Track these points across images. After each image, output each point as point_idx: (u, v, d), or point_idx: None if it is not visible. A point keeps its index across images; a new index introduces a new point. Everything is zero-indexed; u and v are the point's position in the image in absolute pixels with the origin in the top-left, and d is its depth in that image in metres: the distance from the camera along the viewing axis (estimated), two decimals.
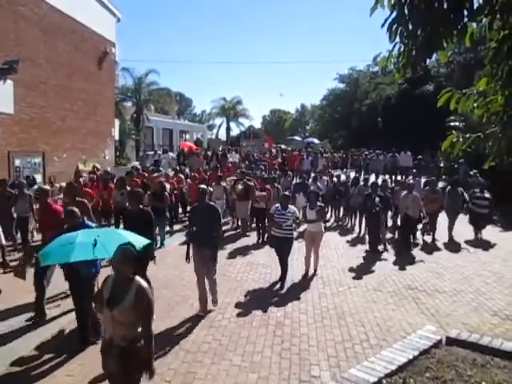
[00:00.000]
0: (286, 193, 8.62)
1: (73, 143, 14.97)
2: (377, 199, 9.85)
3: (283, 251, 7.60)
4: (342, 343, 5.42)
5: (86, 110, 15.86)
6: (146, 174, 13.27)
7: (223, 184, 12.12)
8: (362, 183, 12.96)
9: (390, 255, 9.73)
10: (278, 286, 7.54)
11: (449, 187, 11.79)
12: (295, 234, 7.89)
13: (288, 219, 7.54)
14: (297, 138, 44.55)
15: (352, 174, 18.43)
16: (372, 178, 21.31)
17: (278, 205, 7.78)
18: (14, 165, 11.96)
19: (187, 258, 6.32)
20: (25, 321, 5.94)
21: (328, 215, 13.06)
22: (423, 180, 13.59)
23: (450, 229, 11.20)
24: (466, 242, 10.91)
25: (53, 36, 13.55)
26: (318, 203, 8.28)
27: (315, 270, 8.23)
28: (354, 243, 10.84)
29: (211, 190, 11.29)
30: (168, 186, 11.15)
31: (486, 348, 4.96)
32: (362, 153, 26.16)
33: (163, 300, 6.67)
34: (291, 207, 7.69)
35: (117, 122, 19.93)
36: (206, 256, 6.17)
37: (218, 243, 6.47)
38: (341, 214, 13.58)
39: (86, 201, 7.83)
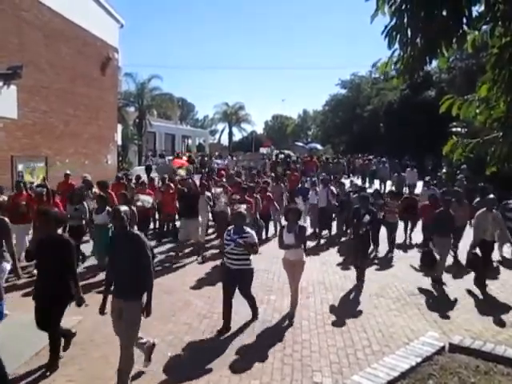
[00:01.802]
0: (241, 209, 6.80)
1: (75, 148, 15.02)
2: (366, 217, 7.99)
3: (240, 287, 6.05)
4: (344, 349, 5.40)
5: (89, 115, 15.91)
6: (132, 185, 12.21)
7: (207, 194, 10.58)
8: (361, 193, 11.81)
9: (391, 262, 9.69)
10: (279, 291, 7.52)
11: (477, 198, 10.26)
12: (251, 264, 6.06)
13: (237, 244, 5.88)
14: (300, 143, 44.66)
15: (358, 182, 18.21)
16: (376, 185, 21.36)
17: (231, 227, 6.22)
18: (17, 169, 12.00)
19: (101, 310, 4.63)
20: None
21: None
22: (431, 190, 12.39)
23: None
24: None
25: (56, 41, 13.63)
26: (300, 223, 6.68)
27: (292, 308, 6.48)
28: None
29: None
30: (149, 199, 10.27)
31: (489, 355, 4.93)
32: (367, 158, 25.79)
33: (165, 305, 6.67)
34: (248, 230, 6.06)
35: (119, 127, 19.99)
36: (123, 315, 4.37)
37: (146, 293, 4.48)
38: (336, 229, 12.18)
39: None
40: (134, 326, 4.38)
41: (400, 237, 11.01)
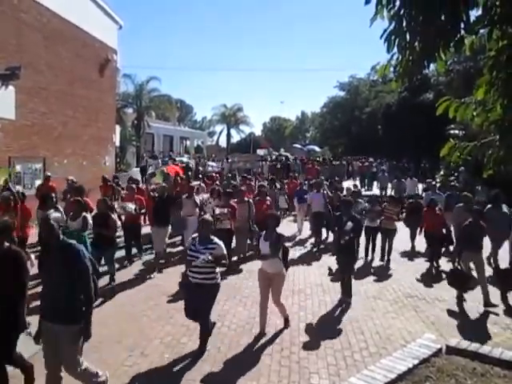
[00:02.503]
0: (206, 216, 5.98)
1: (74, 149, 14.99)
2: (348, 224, 7.07)
3: (199, 304, 5.19)
4: (341, 351, 5.40)
5: (87, 117, 15.90)
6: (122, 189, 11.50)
7: (197, 197, 9.94)
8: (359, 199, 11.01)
9: (389, 264, 9.70)
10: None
11: (489, 205, 9.20)
12: (218, 279, 5.29)
13: (205, 259, 5.07)
14: (298, 145, 44.72)
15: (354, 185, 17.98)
16: (375, 188, 21.25)
17: (195, 235, 5.47)
18: (15, 171, 11.97)
19: (36, 339, 3.98)
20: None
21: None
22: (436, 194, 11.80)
23: (495, 260, 8.78)
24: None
25: (54, 42, 13.61)
26: (277, 231, 5.94)
27: (286, 321, 6.08)
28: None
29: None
30: (130, 205, 9.18)
31: (486, 357, 4.93)
32: (367, 161, 25.47)
33: (162, 307, 6.67)
34: (215, 240, 5.30)
35: (118, 129, 19.97)
36: (57, 338, 3.80)
37: (84, 318, 3.81)
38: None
39: None
40: (74, 352, 3.81)
41: (404, 244, 10.70)
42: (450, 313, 6.81)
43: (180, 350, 5.32)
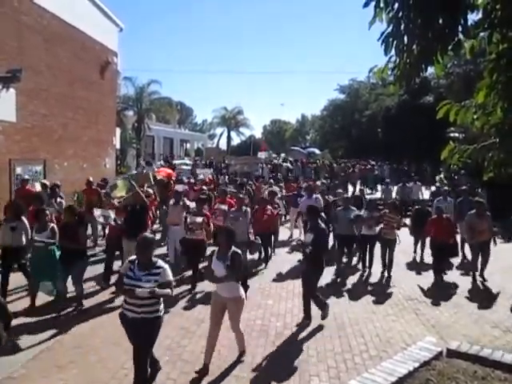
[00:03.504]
0: (147, 233, 4.92)
1: (74, 151, 15.00)
2: (308, 235, 6.41)
3: (139, 341, 4.24)
4: (341, 354, 5.39)
5: (88, 119, 15.91)
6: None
7: (187, 202, 9.06)
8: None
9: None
10: (276, 295, 7.51)
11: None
12: (162, 311, 4.34)
13: (147, 287, 4.03)
14: (298, 148, 44.69)
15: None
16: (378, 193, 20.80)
17: (133, 257, 4.34)
18: (16, 173, 11.98)
19: None
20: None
21: None
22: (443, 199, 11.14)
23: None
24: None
25: (55, 45, 13.64)
26: (233, 249, 4.98)
27: (240, 355, 5.25)
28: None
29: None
30: (110, 214, 8.35)
31: (486, 360, 4.93)
32: (369, 164, 24.90)
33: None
34: (159, 263, 4.23)
35: (118, 131, 19.99)
36: None
37: None
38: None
39: None
40: None
41: (409, 255, 10.39)
42: (451, 316, 6.80)
43: (180, 353, 5.31)
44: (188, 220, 7.91)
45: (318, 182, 16.81)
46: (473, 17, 3.16)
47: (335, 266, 8.91)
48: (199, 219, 7.75)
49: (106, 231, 8.95)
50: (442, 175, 20.46)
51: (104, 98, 17.12)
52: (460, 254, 9.97)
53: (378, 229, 9.09)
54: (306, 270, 6.49)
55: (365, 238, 9.14)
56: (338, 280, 8.50)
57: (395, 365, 4.77)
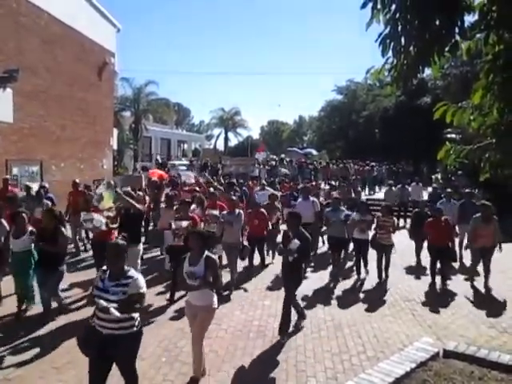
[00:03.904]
0: (119, 240, 4.22)
1: (71, 152, 14.98)
2: (294, 242, 5.69)
3: (117, 360, 3.80)
4: (338, 355, 5.40)
5: (85, 120, 15.89)
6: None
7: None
8: (343, 207, 9.31)
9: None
10: (274, 296, 7.51)
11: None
12: (137, 325, 3.83)
13: (116, 300, 3.65)
14: (296, 149, 44.72)
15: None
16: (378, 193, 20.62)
17: (104, 267, 3.93)
18: (12, 173, 11.96)
19: None
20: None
21: None
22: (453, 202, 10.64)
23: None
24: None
25: (53, 46, 13.63)
26: (206, 253, 4.64)
27: (196, 371, 4.62)
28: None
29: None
30: (101, 219, 7.37)
31: (483, 361, 4.95)
32: (367, 164, 24.38)
33: (159, 310, 6.66)
34: (131, 273, 3.82)
35: (115, 132, 19.97)
36: None
37: None
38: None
39: None
40: None
41: (408, 258, 10.11)
42: (448, 316, 6.81)
43: (177, 354, 5.30)
44: (173, 225, 7.24)
45: (323, 184, 16.52)
46: (469, 18, 3.18)
47: (329, 270, 8.81)
48: (185, 223, 7.14)
49: (91, 235, 8.48)
50: (438, 174, 20.45)
51: (101, 99, 17.11)
52: (458, 257, 9.50)
53: (370, 233, 8.70)
54: (286, 278, 6.09)
55: (357, 243, 8.74)
56: (332, 285, 8.35)
57: (392, 365, 4.78)
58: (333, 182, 17.27)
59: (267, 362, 5.19)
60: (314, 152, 42.64)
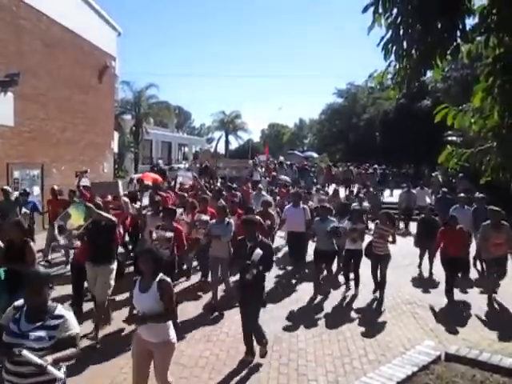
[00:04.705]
0: (40, 267, 3.72)
1: (72, 155, 14.99)
2: (257, 252, 4.99)
3: None
4: (340, 358, 5.38)
5: (86, 123, 15.91)
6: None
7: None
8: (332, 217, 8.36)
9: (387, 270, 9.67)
10: (277, 299, 7.49)
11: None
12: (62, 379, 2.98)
13: (39, 348, 2.82)
14: (296, 152, 44.74)
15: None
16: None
17: (19, 302, 3.07)
18: (13, 177, 11.96)
19: None
20: None
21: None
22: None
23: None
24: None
25: (53, 49, 13.66)
26: (160, 276, 3.87)
27: None
28: None
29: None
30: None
31: (485, 364, 4.93)
32: (370, 167, 24.07)
33: None
34: (58, 310, 3.02)
35: (116, 135, 19.99)
36: None
37: None
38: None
39: None
40: None
41: (406, 258, 10.03)
42: (449, 320, 6.79)
43: (178, 358, 5.27)
44: (153, 235, 6.24)
45: (342, 191, 15.38)
46: (469, 21, 3.19)
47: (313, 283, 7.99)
48: (168, 234, 6.21)
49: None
50: (437, 173, 20.22)
51: (102, 102, 17.14)
52: (473, 268, 8.90)
53: (364, 243, 7.97)
54: (247, 300, 5.26)
55: (348, 254, 8.01)
56: (316, 300, 7.54)
57: (394, 369, 4.76)
58: (335, 185, 17.10)
59: (268, 365, 5.17)
60: (315, 155, 42.69)
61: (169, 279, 3.95)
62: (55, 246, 8.50)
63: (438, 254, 8.03)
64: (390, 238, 7.59)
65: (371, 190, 15.62)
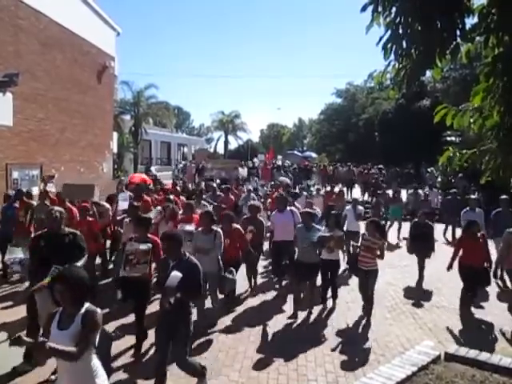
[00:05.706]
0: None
1: (71, 156, 14.97)
2: (174, 275, 4.07)
3: None
4: (340, 358, 5.37)
5: (85, 123, 15.89)
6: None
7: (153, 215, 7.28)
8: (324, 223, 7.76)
9: (386, 270, 9.67)
10: (275, 301, 7.49)
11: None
12: None
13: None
14: (296, 152, 44.76)
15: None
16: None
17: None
18: (12, 177, 11.94)
19: None
20: None
21: None
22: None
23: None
24: None
25: (52, 49, 13.64)
26: (86, 307, 2.99)
27: None
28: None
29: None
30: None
31: (484, 364, 4.92)
32: (372, 168, 24.01)
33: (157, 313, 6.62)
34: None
35: (115, 135, 19.95)
36: None
37: None
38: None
39: None
40: None
41: (403, 257, 9.86)
42: (449, 319, 6.79)
43: None
44: (127, 247, 5.29)
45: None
46: (469, 21, 3.18)
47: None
48: (144, 246, 5.24)
49: None
50: (432, 168, 20.11)
51: (101, 103, 17.12)
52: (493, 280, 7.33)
53: (340, 252, 7.20)
54: (170, 333, 4.29)
55: (324, 264, 6.94)
56: (297, 318, 6.66)
57: (393, 369, 4.75)
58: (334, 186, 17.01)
59: (268, 366, 5.16)
60: (314, 155, 42.73)
61: (98, 310, 3.01)
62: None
63: (455, 264, 7.22)
64: (378, 252, 6.55)
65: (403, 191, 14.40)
